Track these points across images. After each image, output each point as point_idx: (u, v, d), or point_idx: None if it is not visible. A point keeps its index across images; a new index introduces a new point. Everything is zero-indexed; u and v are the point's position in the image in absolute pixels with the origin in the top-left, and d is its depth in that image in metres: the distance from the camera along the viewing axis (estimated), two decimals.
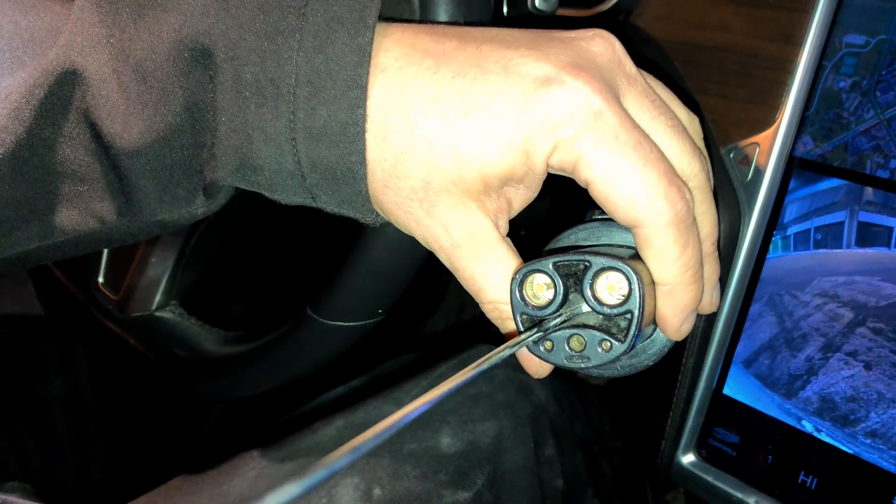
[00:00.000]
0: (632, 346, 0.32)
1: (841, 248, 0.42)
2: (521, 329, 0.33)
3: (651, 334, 0.37)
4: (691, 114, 0.36)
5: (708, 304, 0.38)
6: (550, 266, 0.32)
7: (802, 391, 0.43)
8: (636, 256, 0.33)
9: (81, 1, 0.33)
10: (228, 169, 0.32)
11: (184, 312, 0.63)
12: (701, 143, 0.37)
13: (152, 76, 0.32)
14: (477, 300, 0.34)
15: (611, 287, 0.32)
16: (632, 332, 0.32)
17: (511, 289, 0.33)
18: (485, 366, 0.28)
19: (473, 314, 0.94)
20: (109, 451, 0.74)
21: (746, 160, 0.44)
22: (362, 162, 0.31)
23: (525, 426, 0.53)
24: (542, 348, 0.33)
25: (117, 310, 0.64)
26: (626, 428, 0.63)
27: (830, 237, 0.42)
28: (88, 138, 0.33)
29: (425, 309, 0.93)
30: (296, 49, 0.31)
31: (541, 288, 0.33)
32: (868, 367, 0.41)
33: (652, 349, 0.37)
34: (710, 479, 0.47)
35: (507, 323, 0.34)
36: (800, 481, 0.43)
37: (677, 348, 0.39)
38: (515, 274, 0.33)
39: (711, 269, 0.37)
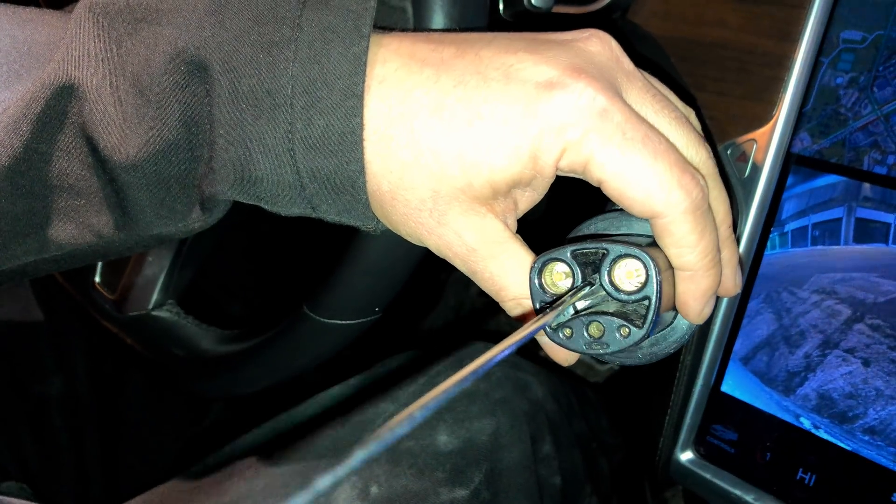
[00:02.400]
0: (650, 332, 0.32)
1: (839, 244, 0.42)
2: None
3: (671, 322, 0.37)
4: (688, 108, 0.36)
5: (732, 287, 0.38)
6: (568, 254, 0.32)
7: (800, 388, 0.43)
8: (654, 244, 0.33)
9: (78, 15, 0.32)
10: (227, 182, 0.32)
11: (180, 311, 0.63)
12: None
13: (149, 90, 0.31)
14: (498, 300, 0.34)
15: (629, 274, 0.32)
16: (649, 318, 0.32)
17: (530, 277, 0.33)
18: (507, 351, 0.27)
19: (471, 312, 0.93)
20: (107, 451, 0.73)
21: (744, 157, 0.44)
22: (361, 171, 0.31)
23: (522, 423, 0.52)
24: (561, 335, 0.33)
25: (114, 309, 0.64)
26: (624, 425, 0.63)
27: (828, 234, 0.42)
28: (85, 152, 0.32)
29: (423, 307, 0.93)
30: (291, 60, 0.30)
31: (560, 276, 0.33)
32: (866, 363, 0.41)
33: (672, 337, 0.37)
34: (708, 476, 0.47)
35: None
36: (798, 478, 0.43)
37: None
38: (534, 263, 0.33)
39: (731, 252, 0.37)
